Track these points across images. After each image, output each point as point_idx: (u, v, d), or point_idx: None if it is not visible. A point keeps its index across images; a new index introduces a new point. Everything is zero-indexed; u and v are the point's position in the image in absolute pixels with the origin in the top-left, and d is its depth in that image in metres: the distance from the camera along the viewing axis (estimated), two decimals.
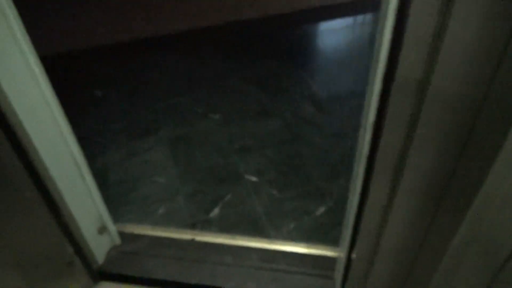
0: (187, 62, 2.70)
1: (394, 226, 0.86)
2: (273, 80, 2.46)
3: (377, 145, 0.76)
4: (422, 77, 0.63)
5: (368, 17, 3.23)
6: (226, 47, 2.90)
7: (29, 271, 1.03)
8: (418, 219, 0.82)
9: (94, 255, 1.28)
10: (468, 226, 0.68)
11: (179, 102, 2.28)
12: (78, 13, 2.65)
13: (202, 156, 1.89)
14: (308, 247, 1.37)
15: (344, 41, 2.94)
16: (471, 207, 0.65)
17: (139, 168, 1.83)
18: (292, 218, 1.56)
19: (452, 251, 0.74)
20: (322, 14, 3.23)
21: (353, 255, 1.05)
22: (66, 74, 2.57)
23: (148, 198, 1.67)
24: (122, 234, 1.41)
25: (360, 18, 3.22)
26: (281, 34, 3.03)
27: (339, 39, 2.94)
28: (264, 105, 2.22)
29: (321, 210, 1.59)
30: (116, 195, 1.69)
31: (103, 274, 1.32)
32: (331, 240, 1.46)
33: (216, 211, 1.60)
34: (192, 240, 1.43)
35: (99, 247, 1.32)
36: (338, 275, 1.18)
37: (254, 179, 1.75)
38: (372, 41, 2.91)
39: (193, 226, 1.54)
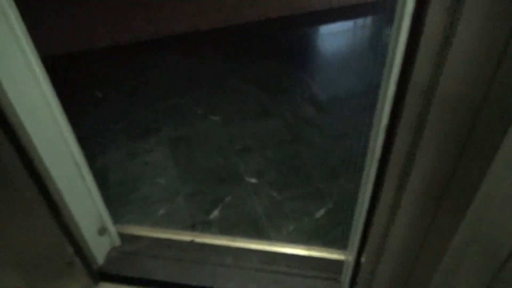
0: (187, 62, 2.71)
1: (399, 228, 0.86)
2: (273, 80, 2.46)
3: (390, 148, 0.76)
4: (432, 78, 0.63)
5: (368, 20, 3.25)
6: (226, 47, 2.90)
7: (29, 271, 1.03)
8: (419, 219, 0.83)
9: (94, 255, 1.28)
10: (468, 226, 0.68)
11: (179, 102, 2.28)
12: (78, 14, 2.65)
13: (202, 156, 1.89)
14: (308, 249, 1.37)
15: (344, 43, 2.94)
16: (471, 207, 0.66)
17: (139, 169, 1.83)
18: (292, 219, 1.56)
19: (452, 251, 0.74)
20: (323, 17, 3.24)
21: (362, 259, 1.04)
22: (66, 74, 2.57)
23: (148, 199, 1.67)
24: (122, 235, 1.41)
25: (360, 21, 3.24)
26: (281, 34, 3.03)
27: (339, 41, 2.95)
28: (264, 105, 2.22)
29: (321, 211, 1.59)
30: (116, 195, 1.69)
31: (103, 275, 1.32)
32: (331, 241, 1.46)
33: (216, 212, 1.60)
34: (192, 242, 1.43)
35: (99, 248, 1.32)
36: (346, 278, 1.17)
37: (254, 179, 1.75)
38: (372, 43, 2.92)
39: (193, 227, 1.54)
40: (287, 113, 2.15)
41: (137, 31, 2.88)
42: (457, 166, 0.70)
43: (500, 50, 0.56)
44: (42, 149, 0.99)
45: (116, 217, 1.44)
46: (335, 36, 3.01)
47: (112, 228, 1.35)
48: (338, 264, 1.30)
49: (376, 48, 2.77)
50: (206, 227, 1.54)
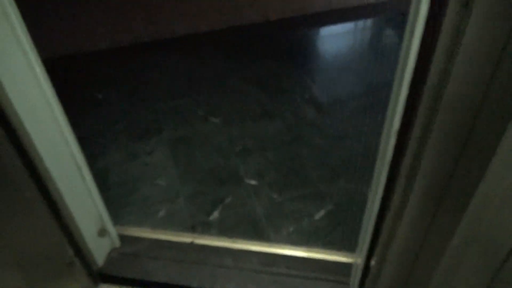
0: (187, 63, 2.71)
1: (404, 229, 0.86)
2: (273, 81, 2.46)
3: (401, 151, 0.76)
4: (442, 80, 0.63)
5: (369, 22, 3.26)
6: (226, 47, 2.90)
7: (29, 271, 1.03)
8: (419, 219, 0.83)
9: (94, 256, 1.28)
10: (468, 226, 0.68)
11: (179, 103, 2.28)
12: (79, 14, 2.66)
13: (203, 157, 1.89)
14: (308, 251, 1.37)
15: (345, 45, 2.95)
16: (470, 207, 0.66)
17: (139, 169, 1.83)
18: (292, 220, 1.56)
19: (452, 251, 0.74)
20: (323, 18, 3.25)
21: (372, 262, 1.04)
22: (67, 75, 2.57)
23: (148, 200, 1.67)
24: (122, 236, 1.41)
25: (360, 23, 3.24)
26: (282, 35, 3.04)
27: (339, 43, 2.95)
28: (264, 106, 2.22)
29: (321, 212, 1.59)
30: (116, 196, 1.69)
31: (103, 276, 1.32)
32: (331, 242, 1.46)
33: (216, 213, 1.60)
34: (192, 243, 1.42)
35: (99, 249, 1.32)
36: (355, 281, 1.17)
37: (254, 181, 1.75)
38: (372, 44, 2.92)
39: (193, 228, 1.54)
40: (287, 114, 2.15)
41: (137, 32, 2.89)
42: (457, 166, 0.70)
43: (500, 50, 0.56)
44: (42, 149, 0.99)
45: (116, 218, 1.44)
46: (335, 38, 3.02)
47: (112, 229, 1.35)
48: (339, 265, 1.30)
49: (376, 50, 2.78)
50: (206, 228, 1.54)
